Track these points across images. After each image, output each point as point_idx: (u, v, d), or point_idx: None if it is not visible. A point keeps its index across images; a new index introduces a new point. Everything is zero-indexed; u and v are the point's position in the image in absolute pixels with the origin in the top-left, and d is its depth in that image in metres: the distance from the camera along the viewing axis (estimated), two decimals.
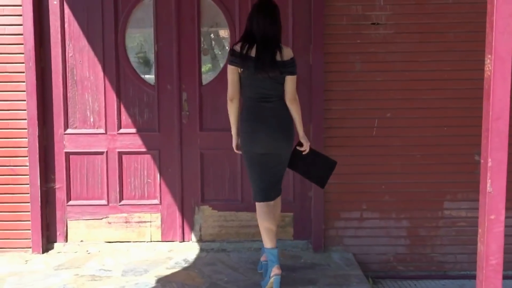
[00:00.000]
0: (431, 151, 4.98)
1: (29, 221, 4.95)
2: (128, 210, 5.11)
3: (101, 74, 5.03)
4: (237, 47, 3.84)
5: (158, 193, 5.10)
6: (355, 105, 4.96)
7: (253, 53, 3.79)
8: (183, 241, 5.11)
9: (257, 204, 4.05)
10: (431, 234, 5.07)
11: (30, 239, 4.95)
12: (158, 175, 5.07)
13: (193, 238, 5.10)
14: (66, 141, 5.07)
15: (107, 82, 5.03)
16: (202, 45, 5.07)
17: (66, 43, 5.02)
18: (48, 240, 5.08)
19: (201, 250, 4.98)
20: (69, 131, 5.06)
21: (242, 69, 3.82)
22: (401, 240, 5.08)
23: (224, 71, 4.73)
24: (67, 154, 5.08)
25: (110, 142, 5.06)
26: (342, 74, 4.94)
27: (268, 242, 3.98)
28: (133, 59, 5.06)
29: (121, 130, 5.05)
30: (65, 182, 5.07)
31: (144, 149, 5.06)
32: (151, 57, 5.06)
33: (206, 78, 5.09)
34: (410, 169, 5.00)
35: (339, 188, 4.98)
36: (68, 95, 5.04)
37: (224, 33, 5.08)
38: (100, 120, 5.05)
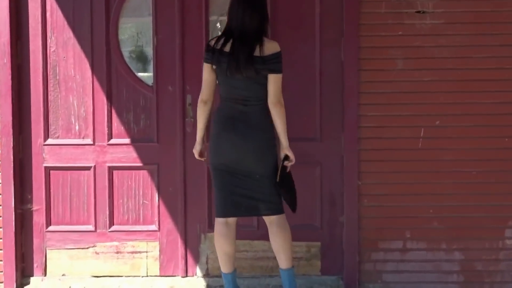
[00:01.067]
0: (489, 167, 4.41)
1: (0, 250, 4.45)
2: (119, 237, 4.55)
3: (88, 72, 4.48)
4: (212, 42, 3.72)
5: (157, 217, 4.54)
6: (396, 111, 4.39)
7: (228, 48, 3.65)
8: (186, 276, 4.56)
9: (215, 221, 3.86)
10: (490, 269, 4.48)
11: (1, 272, 4.46)
12: (156, 195, 4.53)
13: (199, 272, 4.56)
14: (46, 153, 4.53)
15: (96, 82, 4.47)
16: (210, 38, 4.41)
17: (47, 36, 4.48)
18: (23, 274, 4.56)
19: (208, 287, 4.48)
20: (49, 141, 4.52)
21: (216, 67, 3.68)
22: (453, 276, 4.49)
23: None
24: (47, 169, 4.53)
25: (98, 155, 4.51)
26: (381, 73, 4.37)
27: (224, 266, 3.88)
28: (127, 54, 4.51)
29: (112, 141, 4.51)
30: (44, 203, 4.54)
31: (139, 164, 4.51)
32: (149, 52, 4.50)
33: None
34: (464, 189, 4.43)
35: (377, 212, 4.43)
36: (49, 98, 4.50)
37: None
38: (87, 129, 4.51)
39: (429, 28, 4.36)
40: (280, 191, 3.79)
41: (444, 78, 4.39)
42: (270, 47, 3.68)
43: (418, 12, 4.35)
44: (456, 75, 4.38)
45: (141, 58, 4.56)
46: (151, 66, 4.48)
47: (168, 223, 4.54)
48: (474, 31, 4.36)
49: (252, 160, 3.73)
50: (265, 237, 4.27)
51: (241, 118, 3.70)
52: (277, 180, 3.76)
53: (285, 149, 3.79)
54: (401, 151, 4.43)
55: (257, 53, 3.63)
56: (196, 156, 3.97)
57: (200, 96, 3.80)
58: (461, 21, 4.35)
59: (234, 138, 3.70)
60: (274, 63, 3.67)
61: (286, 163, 3.80)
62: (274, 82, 3.68)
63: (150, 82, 4.49)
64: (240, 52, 3.62)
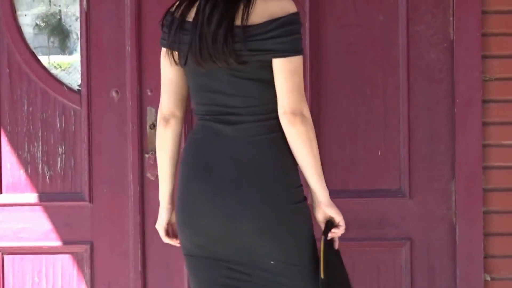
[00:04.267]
0: None
1: None
2: None
3: None
4: (173, 7, 2.55)
5: None
6: None
7: (193, 15, 2.48)
8: None
9: None
10: None
11: None
12: None
13: None
14: None
15: None
16: None
17: None
18: None
19: None
20: None
21: (177, 52, 2.52)
22: None
23: None
24: None
25: None
26: None
27: None
28: (29, 31, 3.20)
29: (1, 198, 3.14)
30: None
31: (56, 242, 3.14)
32: (73, 26, 3.21)
33: None
34: None
35: None
36: None
37: None
38: None
39: None
40: None
41: None
42: (272, 6, 2.45)
43: None
44: None
45: (58, 32, 3.24)
46: (76, 55, 3.16)
47: None
48: None
49: (256, 235, 2.49)
50: None
51: (226, 150, 2.52)
52: (321, 274, 2.41)
53: (327, 206, 2.49)
54: None
55: (238, 21, 2.45)
56: (162, 236, 2.64)
57: (158, 111, 2.66)
58: None
59: (214, 193, 2.49)
60: (280, 37, 2.43)
61: (331, 234, 2.48)
62: (286, 73, 2.42)
63: (75, 81, 3.13)
64: (209, 20, 2.49)
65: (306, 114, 2.40)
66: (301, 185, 2.43)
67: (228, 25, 2.43)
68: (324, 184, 2.41)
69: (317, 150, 2.40)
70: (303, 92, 2.41)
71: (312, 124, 2.40)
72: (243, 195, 2.47)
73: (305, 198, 2.41)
